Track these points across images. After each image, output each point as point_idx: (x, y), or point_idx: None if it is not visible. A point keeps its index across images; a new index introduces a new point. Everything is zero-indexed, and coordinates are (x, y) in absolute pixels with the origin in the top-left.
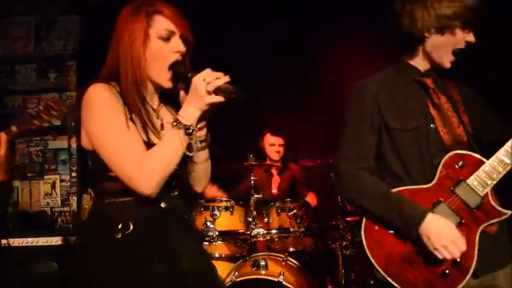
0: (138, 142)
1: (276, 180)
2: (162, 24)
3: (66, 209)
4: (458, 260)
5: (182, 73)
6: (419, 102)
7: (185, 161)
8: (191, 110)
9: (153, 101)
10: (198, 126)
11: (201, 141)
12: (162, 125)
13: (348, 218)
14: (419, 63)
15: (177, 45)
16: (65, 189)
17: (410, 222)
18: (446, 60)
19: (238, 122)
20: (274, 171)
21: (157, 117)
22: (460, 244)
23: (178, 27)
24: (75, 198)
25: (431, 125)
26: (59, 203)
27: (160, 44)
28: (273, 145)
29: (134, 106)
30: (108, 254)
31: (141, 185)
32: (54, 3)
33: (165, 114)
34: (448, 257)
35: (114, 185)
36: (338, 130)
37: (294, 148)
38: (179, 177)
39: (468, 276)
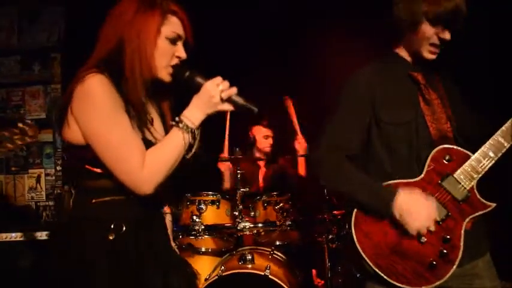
0: (140, 140)
1: (262, 172)
2: (174, 26)
3: (51, 203)
4: (445, 251)
5: (186, 77)
6: (411, 97)
7: None
8: (198, 114)
9: (145, 95)
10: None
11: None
12: (152, 120)
13: (335, 212)
14: (408, 54)
15: (180, 51)
16: (50, 184)
17: (384, 202)
18: (425, 52)
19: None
20: (261, 163)
21: (146, 112)
22: (432, 215)
23: (185, 32)
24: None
25: (421, 120)
26: (44, 198)
27: (166, 45)
28: (267, 137)
29: (138, 103)
30: (102, 255)
31: (142, 184)
32: None
33: (150, 109)
34: (423, 231)
35: (100, 183)
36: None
37: (281, 141)
38: None
39: (455, 267)
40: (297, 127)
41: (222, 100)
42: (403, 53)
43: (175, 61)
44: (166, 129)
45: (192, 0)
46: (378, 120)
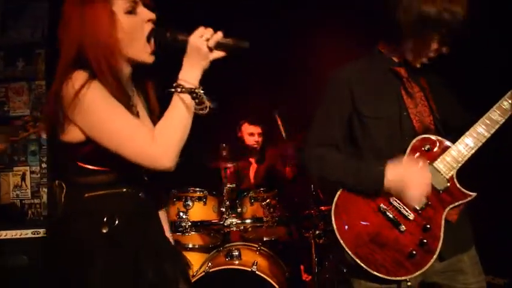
0: (139, 123)
1: (253, 168)
2: None
3: (36, 201)
4: (425, 241)
5: (169, 38)
6: (393, 91)
7: None
8: (193, 71)
9: (128, 86)
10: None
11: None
12: (137, 113)
13: (321, 207)
14: (395, 54)
15: (146, 14)
16: (35, 181)
17: (376, 178)
18: (416, 62)
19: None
20: (252, 160)
21: (132, 105)
22: (427, 182)
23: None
24: (46, 190)
25: (404, 113)
26: (29, 195)
27: (130, 19)
28: (252, 135)
29: (122, 98)
30: (96, 248)
31: (159, 158)
32: None
33: (137, 102)
34: (422, 200)
35: (92, 179)
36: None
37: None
38: None
39: (435, 256)
40: (284, 135)
41: (211, 49)
42: (387, 50)
43: (148, 27)
44: (154, 122)
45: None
46: (360, 114)
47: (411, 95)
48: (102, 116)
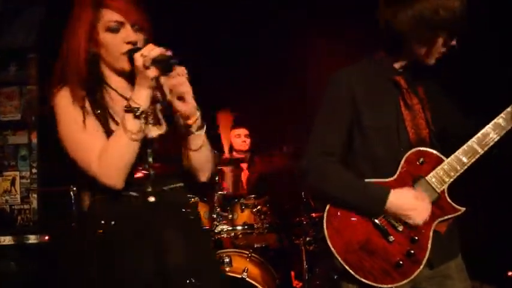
0: (96, 137)
1: (245, 174)
2: (109, 16)
3: (26, 206)
4: (412, 252)
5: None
6: (392, 101)
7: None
8: (140, 91)
9: (127, 89)
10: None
11: (195, 128)
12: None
13: (312, 214)
14: (398, 60)
15: (127, 36)
16: (24, 186)
17: (377, 200)
18: (432, 60)
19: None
20: (244, 165)
21: (107, 115)
22: (427, 207)
23: (127, 18)
24: (36, 195)
25: (402, 124)
26: (19, 201)
27: (110, 36)
28: (238, 136)
29: (98, 105)
30: (93, 249)
31: (101, 176)
32: None
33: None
34: (420, 223)
35: (94, 182)
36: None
37: (261, 140)
38: (171, 169)
39: (421, 267)
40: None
41: (147, 67)
42: (387, 57)
43: (125, 48)
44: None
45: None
46: (359, 122)
47: (410, 107)
48: (60, 122)
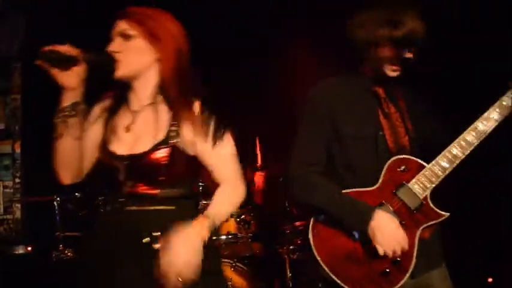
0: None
1: None
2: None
3: (9, 216)
4: (398, 259)
5: None
6: (371, 111)
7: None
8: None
9: (138, 100)
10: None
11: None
12: (127, 127)
13: (295, 223)
14: (370, 70)
15: (110, 46)
16: (7, 196)
17: (361, 219)
18: (388, 71)
19: None
20: None
21: (132, 119)
22: (402, 243)
23: (115, 28)
24: (19, 205)
25: (381, 133)
26: (1, 211)
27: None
28: None
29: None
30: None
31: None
32: None
33: (146, 115)
34: (390, 254)
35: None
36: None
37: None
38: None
39: (408, 274)
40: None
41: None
42: (364, 69)
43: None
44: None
45: None
46: (338, 132)
47: (387, 116)
48: None
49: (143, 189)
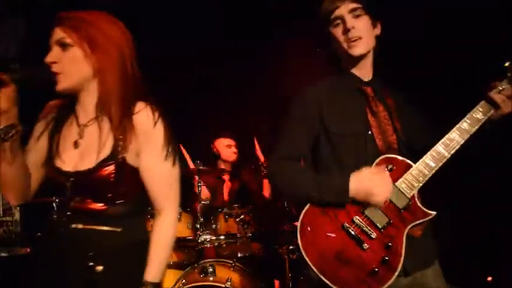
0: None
1: (227, 186)
2: None
3: (8, 218)
4: (387, 258)
5: None
6: (359, 110)
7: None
8: None
9: (85, 113)
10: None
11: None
12: (75, 142)
13: (295, 223)
14: (355, 68)
15: (47, 56)
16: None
17: (340, 192)
18: (348, 49)
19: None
20: (225, 177)
21: (79, 134)
22: (389, 181)
23: (53, 36)
24: (18, 207)
25: (369, 132)
26: (1, 213)
27: None
28: (229, 146)
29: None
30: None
31: None
32: None
33: (92, 130)
34: (388, 197)
35: None
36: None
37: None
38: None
39: (396, 273)
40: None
41: None
42: (351, 68)
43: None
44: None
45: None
46: (327, 132)
47: (375, 114)
48: None
49: (91, 205)
